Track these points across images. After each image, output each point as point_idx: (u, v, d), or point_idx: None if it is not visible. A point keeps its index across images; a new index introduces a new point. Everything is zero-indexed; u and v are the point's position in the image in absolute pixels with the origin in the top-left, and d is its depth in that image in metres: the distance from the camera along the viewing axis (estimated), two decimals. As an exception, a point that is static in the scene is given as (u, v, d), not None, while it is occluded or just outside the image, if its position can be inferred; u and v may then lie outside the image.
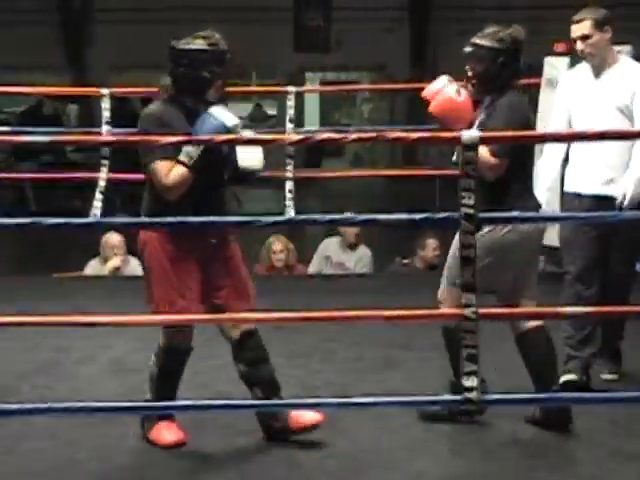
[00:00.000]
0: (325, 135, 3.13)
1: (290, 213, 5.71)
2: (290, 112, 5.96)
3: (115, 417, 3.52)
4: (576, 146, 4.00)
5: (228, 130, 3.24)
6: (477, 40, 3.48)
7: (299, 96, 7.57)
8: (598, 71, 3.91)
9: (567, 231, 4.00)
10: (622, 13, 4.74)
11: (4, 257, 9.01)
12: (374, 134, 3.29)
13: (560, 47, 5.54)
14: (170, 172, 3.25)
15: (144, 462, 3.31)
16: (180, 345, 3.43)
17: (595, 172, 3.91)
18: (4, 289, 5.75)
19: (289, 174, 5.86)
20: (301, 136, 3.25)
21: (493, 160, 3.32)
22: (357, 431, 3.54)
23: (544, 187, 3.98)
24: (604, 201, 3.86)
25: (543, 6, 12.64)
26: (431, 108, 3.38)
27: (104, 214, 5.52)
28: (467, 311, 3.01)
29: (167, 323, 3.35)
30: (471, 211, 2.98)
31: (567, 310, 3.56)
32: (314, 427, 3.41)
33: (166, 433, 3.41)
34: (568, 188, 4.03)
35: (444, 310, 3.47)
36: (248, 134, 3.37)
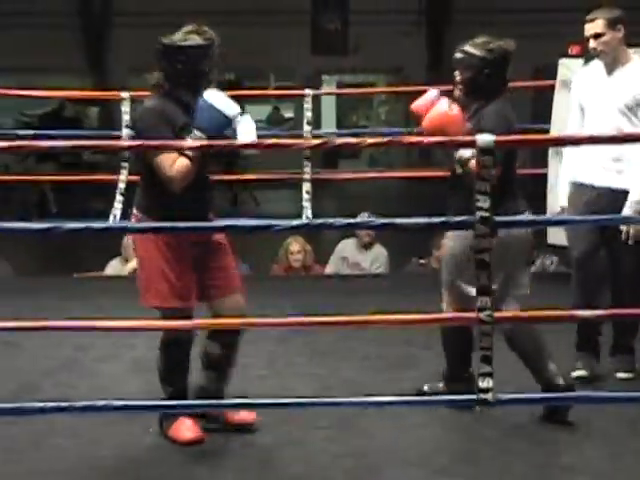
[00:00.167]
0: (342, 140, 3.19)
1: (307, 214, 5.76)
2: (307, 114, 6.01)
3: (136, 415, 3.56)
4: None
5: (229, 119, 3.28)
6: (467, 48, 3.57)
7: (316, 98, 7.64)
8: (610, 69, 3.98)
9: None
10: (638, 17, 4.77)
11: (27, 257, 9.07)
12: (389, 138, 3.34)
13: (575, 49, 5.57)
14: (174, 163, 3.29)
15: (164, 459, 3.35)
16: (181, 336, 3.45)
17: (604, 164, 3.97)
18: (27, 289, 5.82)
19: (306, 175, 5.91)
20: (319, 140, 3.30)
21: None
22: (374, 429, 3.57)
23: (565, 183, 4.12)
24: (613, 193, 3.93)
25: (558, 9, 12.65)
26: (425, 123, 3.41)
27: (124, 216, 5.59)
28: (482, 314, 3.06)
29: (183, 327, 3.40)
30: (486, 214, 3.02)
31: (582, 313, 3.60)
32: (247, 425, 3.48)
33: (185, 430, 3.45)
34: (577, 179, 4.09)
35: (460, 314, 3.51)
36: (247, 119, 3.39)
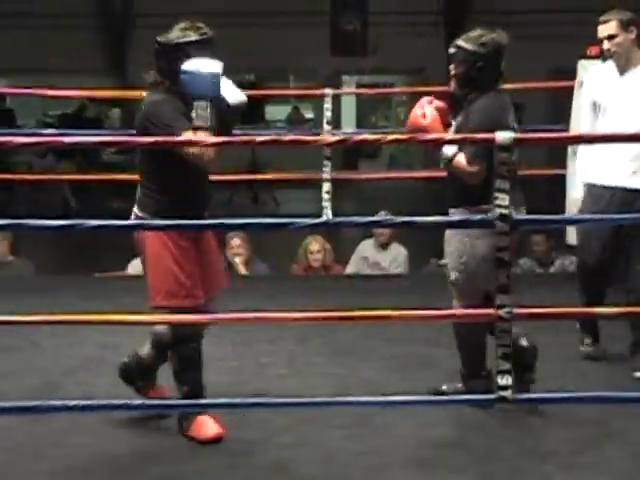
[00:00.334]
0: (362, 136, 3.22)
1: (327, 214, 5.78)
2: (327, 115, 6.03)
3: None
4: None
5: (217, 78, 3.30)
6: (460, 42, 3.62)
7: (336, 99, 7.64)
8: (623, 70, 4.06)
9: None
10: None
11: (48, 256, 9.14)
12: (409, 135, 3.37)
13: (594, 50, 5.56)
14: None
15: (185, 458, 3.37)
16: (186, 331, 3.45)
17: (619, 164, 3.99)
18: (48, 288, 5.87)
19: (326, 175, 5.93)
20: (338, 137, 3.32)
21: (470, 168, 3.47)
22: (391, 428, 3.58)
23: (580, 182, 4.16)
24: (629, 193, 3.96)
25: (578, 10, 12.59)
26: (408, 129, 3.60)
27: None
28: (502, 311, 3.07)
29: (198, 321, 3.43)
30: (506, 212, 3.03)
31: (600, 310, 3.60)
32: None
33: (205, 428, 3.46)
34: (591, 180, 4.11)
35: (480, 311, 3.52)
36: (228, 83, 3.41)
